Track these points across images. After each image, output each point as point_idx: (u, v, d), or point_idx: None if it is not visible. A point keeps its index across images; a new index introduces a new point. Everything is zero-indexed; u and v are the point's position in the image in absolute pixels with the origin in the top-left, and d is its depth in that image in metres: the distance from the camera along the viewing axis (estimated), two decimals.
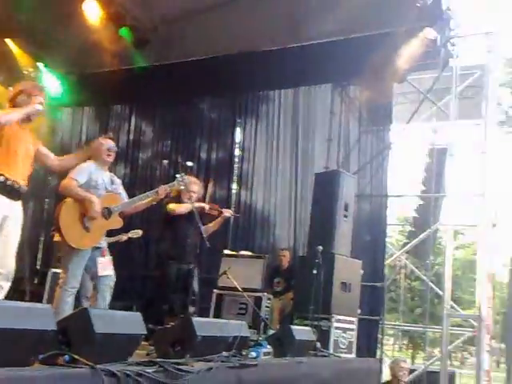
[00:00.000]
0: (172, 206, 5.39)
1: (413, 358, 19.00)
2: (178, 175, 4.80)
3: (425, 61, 7.57)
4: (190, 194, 5.38)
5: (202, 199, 5.87)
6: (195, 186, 5.52)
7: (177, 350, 3.11)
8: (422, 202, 9.87)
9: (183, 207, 5.34)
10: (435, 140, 9.96)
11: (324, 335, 5.47)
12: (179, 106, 9.06)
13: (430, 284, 8.66)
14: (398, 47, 7.06)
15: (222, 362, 3.15)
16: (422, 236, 8.70)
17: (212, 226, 5.71)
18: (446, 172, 9.10)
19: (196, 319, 3.30)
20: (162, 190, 4.67)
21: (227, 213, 5.84)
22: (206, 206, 5.62)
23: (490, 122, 8.59)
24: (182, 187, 4.90)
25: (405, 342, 22.37)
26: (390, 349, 12.88)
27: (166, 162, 5.49)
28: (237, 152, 8.55)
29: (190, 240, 5.19)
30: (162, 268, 5.40)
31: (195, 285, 5.23)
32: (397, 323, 12.10)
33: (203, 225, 5.38)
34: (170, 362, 2.77)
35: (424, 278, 9.00)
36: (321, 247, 5.78)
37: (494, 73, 8.75)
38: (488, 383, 7.02)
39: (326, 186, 6.69)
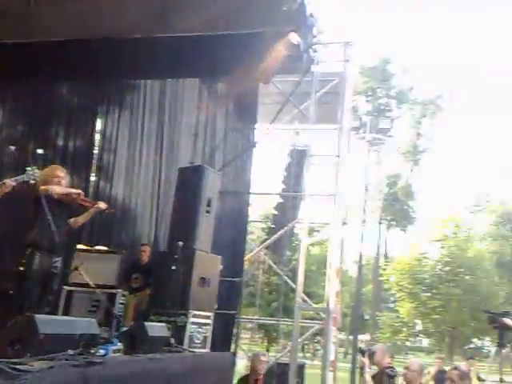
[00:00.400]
0: (45, 187, 4.89)
1: (267, 350, 19.79)
2: (28, 168, 4.34)
3: (289, 64, 7.85)
4: (58, 179, 4.96)
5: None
6: (58, 171, 5.08)
7: (16, 349, 2.92)
8: (281, 200, 10.28)
9: (58, 188, 4.87)
10: (296, 141, 10.41)
11: (179, 331, 5.45)
12: (35, 88, 8.38)
13: (285, 278, 9.06)
14: (264, 49, 7.23)
15: (66, 360, 3.00)
16: (279, 233, 9.06)
17: (82, 218, 5.29)
18: (304, 172, 9.57)
19: (39, 316, 3.10)
20: (8, 183, 4.24)
21: (102, 205, 5.36)
22: (82, 193, 5.23)
23: (345, 127, 9.20)
24: (32, 181, 4.47)
25: (260, 335, 23.19)
26: (247, 342, 13.22)
27: (12, 148, 5.00)
28: (97, 141, 8.14)
29: (58, 230, 4.67)
30: (23, 260, 4.88)
31: (55, 282, 4.87)
32: (255, 317, 12.47)
33: (71, 216, 5.04)
34: (6, 362, 2.59)
35: (280, 272, 9.38)
36: (181, 243, 5.75)
37: (350, 81, 9.38)
38: (333, 373, 7.49)
39: (189, 181, 6.66)
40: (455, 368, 5.76)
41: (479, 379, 9.08)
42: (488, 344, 27.98)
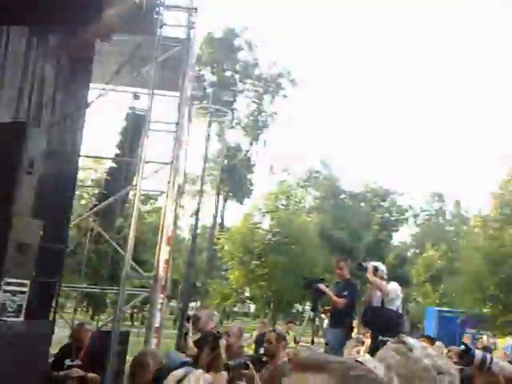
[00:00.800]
0: None
1: (92, 318, 19.38)
2: None
3: (130, 25, 7.53)
4: None
5: None
6: None
7: None
8: (115, 165, 9.92)
9: None
10: (134, 105, 10.09)
11: None
12: None
13: (115, 245, 8.84)
14: (103, 3, 6.82)
15: None
16: (111, 199, 8.77)
17: None
18: (141, 138, 9.32)
19: None
20: None
21: None
22: None
23: (186, 95, 9.12)
24: None
25: (85, 304, 22.59)
26: (71, 311, 12.76)
27: None
28: None
29: None
30: None
31: None
32: (80, 285, 12.03)
33: None
34: None
35: (110, 240, 9.12)
36: None
37: (193, 49, 9.29)
38: (157, 339, 7.60)
39: (8, 139, 6.07)
40: (273, 331, 6.20)
41: (295, 341, 9.88)
42: (308, 309, 30.48)
